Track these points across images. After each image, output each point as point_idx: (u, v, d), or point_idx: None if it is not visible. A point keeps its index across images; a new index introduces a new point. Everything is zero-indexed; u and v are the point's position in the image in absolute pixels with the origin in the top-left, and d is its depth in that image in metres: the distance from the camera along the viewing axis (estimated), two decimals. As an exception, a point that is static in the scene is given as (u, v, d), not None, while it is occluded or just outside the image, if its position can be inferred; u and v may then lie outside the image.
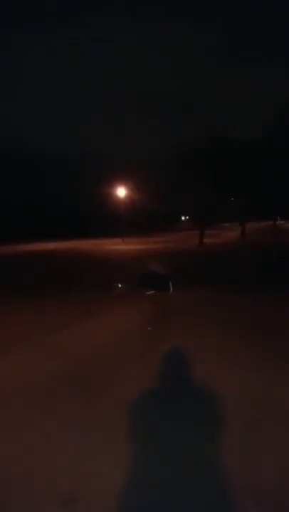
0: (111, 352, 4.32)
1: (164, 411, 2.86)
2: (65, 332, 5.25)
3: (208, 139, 24.46)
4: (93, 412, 2.87)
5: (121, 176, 36.36)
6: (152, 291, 7.93)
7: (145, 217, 43.13)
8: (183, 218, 55.37)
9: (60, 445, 2.48)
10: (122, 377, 3.54)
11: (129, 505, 1.96)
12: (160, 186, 27.06)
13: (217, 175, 24.17)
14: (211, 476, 2.14)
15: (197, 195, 25.05)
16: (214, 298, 7.42)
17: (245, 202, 28.33)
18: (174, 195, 27.61)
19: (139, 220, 41.93)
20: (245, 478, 2.09)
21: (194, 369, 3.62)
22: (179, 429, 2.61)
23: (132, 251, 20.51)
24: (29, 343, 4.77)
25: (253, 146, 24.40)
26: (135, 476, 2.16)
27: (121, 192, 36.87)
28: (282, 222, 45.65)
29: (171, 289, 8.09)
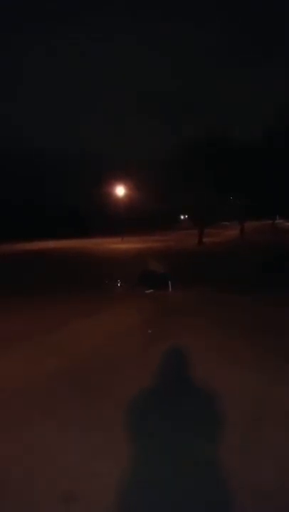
0: (111, 352, 4.32)
1: (164, 411, 2.86)
2: (65, 331, 5.26)
3: (208, 139, 24.46)
4: (93, 412, 2.87)
5: (121, 175, 36.42)
6: (151, 290, 7.93)
7: (145, 217, 43.12)
8: (182, 217, 55.33)
9: (60, 445, 2.47)
10: (122, 377, 3.54)
11: (129, 505, 1.96)
12: (160, 186, 27.06)
13: (217, 175, 24.16)
14: (211, 476, 2.14)
15: (197, 195, 25.04)
16: (214, 297, 7.42)
17: (245, 202, 28.36)
18: (174, 195, 27.60)
19: (139, 219, 41.94)
20: (245, 478, 2.09)
21: (194, 369, 3.62)
22: (179, 429, 2.61)
23: (132, 250, 20.54)
24: (29, 342, 4.77)
25: (253, 146, 24.40)
26: (135, 476, 2.16)
27: (121, 192, 36.90)
28: (281, 221, 45.75)
29: (170, 288, 8.09)
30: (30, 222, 41.88)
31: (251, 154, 24.01)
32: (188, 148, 24.36)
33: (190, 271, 11.79)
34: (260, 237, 27.44)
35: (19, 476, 2.19)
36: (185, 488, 2.03)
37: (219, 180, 24.37)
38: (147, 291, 7.90)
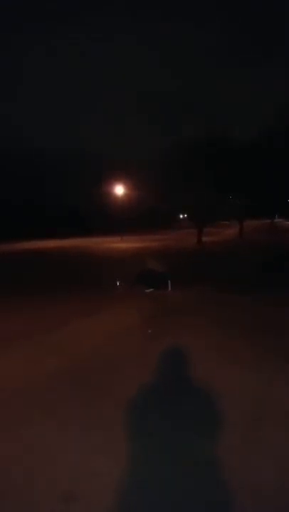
0: (111, 351, 4.32)
1: (164, 410, 2.86)
2: (65, 331, 5.25)
3: (208, 139, 24.45)
4: (93, 412, 2.87)
5: (121, 175, 36.39)
6: (151, 290, 7.93)
7: (144, 216, 43.13)
8: (181, 216, 55.32)
9: (60, 445, 2.47)
10: (122, 377, 3.54)
11: (129, 505, 1.95)
12: (160, 186, 27.05)
13: (217, 175, 24.16)
14: (211, 476, 2.14)
15: (197, 195, 25.04)
16: (214, 297, 7.41)
17: (245, 201, 28.37)
18: (174, 195, 27.59)
19: (139, 218, 41.95)
20: (245, 478, 2.09)
21: (194, 368, 3.62)
22: (178, 429, 2.61)
23: (131, 249, 20.57)
24: (29, 342, 4.77)
25: (253, 146, 24.40)
26: (135, 475, 2.16)
27: (120, 191, 36.92)
28: (280, 220, 45.83)
29: (169, 288, 8.09)
30: (30, 222, 41.86)
31: (251, 154, 24.01)
32: (188, 148, 24.35)
33: (189, 270, 11.79)
34: (259, 237, 27.47)
35: (19, 476, 2.19)
36: (185, 488, 2.03)
37: (219, 180, 24.35)
38: (147, 291, 7.89)
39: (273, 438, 2.47)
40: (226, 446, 2.38)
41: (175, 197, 28.01)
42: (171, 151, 25.72)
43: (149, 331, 5.01)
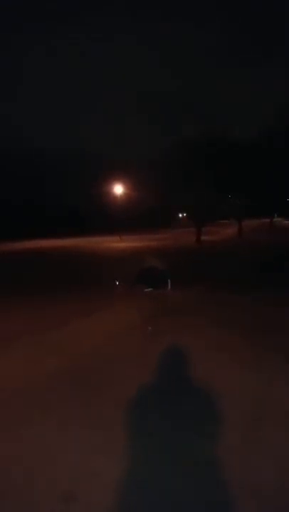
0: (111, 351, 4.32)
1: (163, 410, 2.86)
2: (65, 331, 5.25)
3: (208, 139, 24.44)
4: (93, 412, 2.87)
5: (120, 175, 36.39)
6: (150, 289, 7.91)
7: (144, 216, 43.13)
8: (180, 216, 55.30)
9: (60, 445, 2.47)
10: (122, 377, 3.54)
11: (129, 505, 1.95)
12: (160, 186, 27.04)
13: (217, 175, 24.15)
14: (211, 476, 2.14)
15: (197, 195, 25.03)
16: (213, 297, 7.41)
17: (245, 201, 28.35)
18: (174, 195, 27.59)
19: (138, 218, 41.95)
20: (245, 478, 2.09)
21: (194, 368, 3.62)
22: (178, 429, 2.61)
23: (130, 248, 20.56)
24: (29, 341, 4.77)
25: (253, 146, 24.39)
26: (135, 475, 2.15)
27: (120, 191, 36.94)
28: (279, 219, 45.86)
29: (169, 287, 8.07)
30: (30, 222, 41.91)
31: (251, 154, 24.00)
32: (188, 148, 24.33)
33: (189, 270, 11.78)
34: (258, 236, 27.45)
35: (19, 476, 2.19)
36: (185, 488, 2.03)
37: (219, 180, 24.35)
38: (146, 290, 7.88)
39: (273, 438, 2.47)
40: (226, 446, 2.38)
41: (175, 197, 28.00)
42: (171, 151, 25.70)
43: (149, 328, 5.02)
